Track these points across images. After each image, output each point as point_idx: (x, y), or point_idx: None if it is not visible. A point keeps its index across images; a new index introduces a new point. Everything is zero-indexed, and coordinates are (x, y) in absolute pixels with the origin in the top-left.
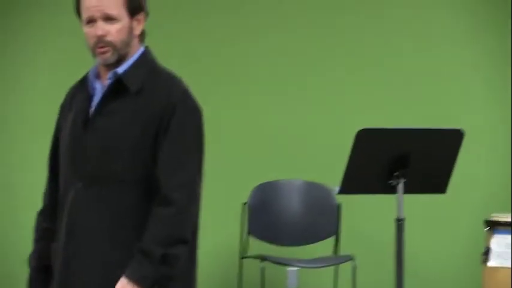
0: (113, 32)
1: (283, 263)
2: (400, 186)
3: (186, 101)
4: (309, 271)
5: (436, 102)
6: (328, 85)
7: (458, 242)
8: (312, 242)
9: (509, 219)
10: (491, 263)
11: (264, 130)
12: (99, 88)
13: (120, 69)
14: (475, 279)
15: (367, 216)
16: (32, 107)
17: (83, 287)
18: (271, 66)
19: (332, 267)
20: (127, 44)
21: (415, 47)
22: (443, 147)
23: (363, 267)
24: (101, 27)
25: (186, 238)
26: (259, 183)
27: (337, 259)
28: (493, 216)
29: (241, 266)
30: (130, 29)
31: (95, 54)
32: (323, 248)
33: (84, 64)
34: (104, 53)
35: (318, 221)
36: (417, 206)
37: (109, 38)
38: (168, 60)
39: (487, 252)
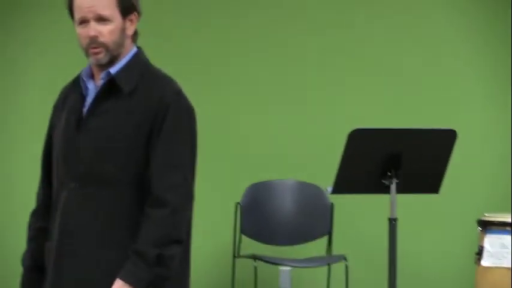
0: (106, 32)
1: (276, 262)
2: (393, 186)
3: (179, 102)
4: (302, 271)
5: (432, 101)
6: (322, 85)
7: (451, 242)
8: (305, 242)
9: (502, 219)
10: (484, 262)
11: (257, 130)
12: (92, 88)
13: (113, 70)
14: (468, 279)
15: (359, 216)
16: (31, 107)
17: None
18: (266, 67)
19: (325, 267)
20: (120, 44)
21: (412, 47)
22: (436, 148)
23: (356, 267)
24: (94, 28)
25: (181, 238)
26: (252, 183)
27: (330, 259)
28: (485, 216)
29: (234, 266)
30: (123, 30)
31: (87, 54)
32: (316, 247)
33: (84, 65)
34: (96, 53)
35: (310, 220)
36: (410, 206)
37: (102, 39)
38: (162, 59)
39: (480, 252)
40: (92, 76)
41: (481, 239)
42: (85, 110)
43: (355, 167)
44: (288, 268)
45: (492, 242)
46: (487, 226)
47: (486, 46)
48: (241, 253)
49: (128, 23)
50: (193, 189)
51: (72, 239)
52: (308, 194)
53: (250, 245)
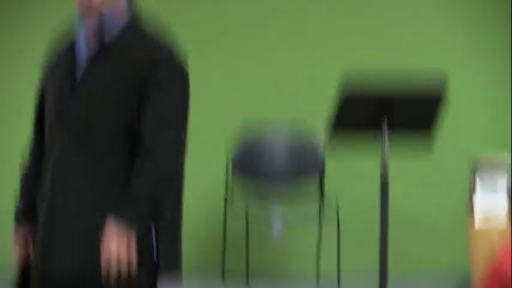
0: None
1: (267, 203)
2: (384, 130)
3: (172, 59)
4: (294, 211)
5: (423, 39)
6: (314, 30)
7: (444, 184)
8: (297, 182)
9: (494, 161)
10: (477, 222)
11: (249, 73)
12: (83, 37)
13: (107, 30)
14: (461, 220)
15: (351, 157)
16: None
17: (69, 240)
18: (257, 16)
19: (316, 207)
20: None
21: None
22: (427, 89)
23: (347, 207)
24: None
25: (172, 186)
26: (244, 125)
27: (321, 199)
28: (477, 158)
29: (226, 206)
30: None
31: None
32: (308, 188)
33: None
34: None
35: (302, 162)
36: (402, 150)
37: (94, 5)
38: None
39: (472, 193)
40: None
41: (473, 180)
42: (78, 67)
43: (348, 113)
44: (279, 208)
45: (484, 183)
46: (478, 167)
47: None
48: (233, 194)
49: None
50: (186, 143)
51: (64, 192)
52: (300, 135)
53: (242, 187)
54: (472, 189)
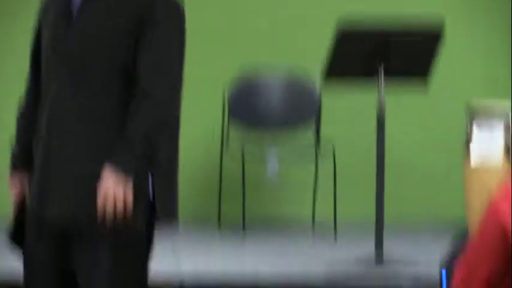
0: None
1: (263, 148)
2: (381, 74)
3: None
4: (290, 157)
5: None
6: None
7: (440, 128)
8: (293, 128)
9: (491, 106)
10: (473, 159)
11: (246, 15)
12: None
13: None
14: (457, 166)
15: (348, 103)
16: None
17: (65, 180)
18: None
19: (312, 153)
20: None
21: None
22: (424, 34)
23: (344, 152)
24: None
25: (168, 128)
26: (241, 67)
27: (317, 145)
28: (473, 103)
29: (222, 151)
30: None
31: None
32: (304, 134)
33: None
34: None
35: (299, 107)
36: (399, 94)
37: None
38: None
39: (468, 139)
40: None
41: (469, 126)
42: (73, 5)
43: (344, 55)
44: (275, 154)
45: (481, 129)
46: (474, 113)
47: None
48: (230, 138)
49: None
50: (182, 81)
51: (60, 136)
52: (297, 80)
53: (238, 133)
54: (468, 135)
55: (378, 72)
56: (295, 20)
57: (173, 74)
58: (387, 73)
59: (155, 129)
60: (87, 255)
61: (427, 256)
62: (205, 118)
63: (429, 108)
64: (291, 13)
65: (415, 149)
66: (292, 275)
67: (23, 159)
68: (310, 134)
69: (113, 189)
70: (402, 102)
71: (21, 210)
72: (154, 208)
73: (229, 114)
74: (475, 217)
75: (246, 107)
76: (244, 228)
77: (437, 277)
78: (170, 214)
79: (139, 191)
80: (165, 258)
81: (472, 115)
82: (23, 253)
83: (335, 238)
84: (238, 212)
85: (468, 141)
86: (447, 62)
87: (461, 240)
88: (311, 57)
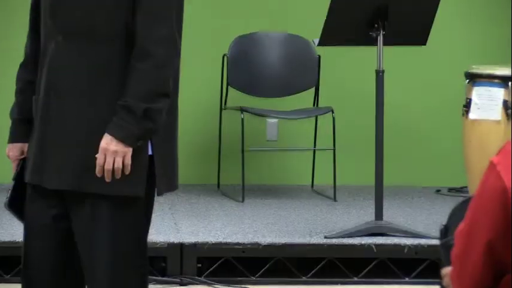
0: None
1: (263, 114)
2: (380, 38)
3: None
4: (289, 122)
5: None
6: None
7: (439, 95)
8: (292, 94)
9: (490, 71)
10: (472, 115)
11: None
12: None
13: None
14: (456, 131)
15: (347, 68)
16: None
17: (63, 143)
18: None
19: (312, 119)
20: None
21: None
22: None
23: (343, 119)
24: None
25: (168, 91)
26: (239, 34)
27: (317, 111)
28: (473, 68)
29: (221, 118)
30: None
31: None
32: (303, 100)
33: None
34: None
35: (297, 72)
36: (397, 59)
37: None
38: None
39: (468, 105)
40: None
41: (469, 92)
42: None
43: (342, 19)
44: (275, 120)
45: (480, 95)
46: (474, 78)
47: None
48: (229, 105)
49: None
50: (180, 41)
51: (59, 93)
52: (295, 46)
53: (237, 98)
54: (467, 96)
55: (377, 36)
56: None
57: (171, 31)
58: (386, 36)
59: (154, 100)
60: (86, 220)
61: (426, 220)
62: (204, 83)
63: (429, 73)
64: None
65: (414, 113)
66: (291, 235)
67: (22, 125)
68: (309, 99)
69: (112, 158)
70: (402, 66)
71: (20, 177)
72: (154, 173)
73: (228, 79)
74: (473, 172)
75: (245, 72)
76: (243, 192)
77: (438, 240)
78: (170, 178)
79: (138, 156)
80: (164, 222)
81: (471, 80)
82: (24, 219)
83: (334, 201)
84: (237, 176)
85: (467, 99)
86: (447, 28)
87: (462, 203)
88: (310, 22)
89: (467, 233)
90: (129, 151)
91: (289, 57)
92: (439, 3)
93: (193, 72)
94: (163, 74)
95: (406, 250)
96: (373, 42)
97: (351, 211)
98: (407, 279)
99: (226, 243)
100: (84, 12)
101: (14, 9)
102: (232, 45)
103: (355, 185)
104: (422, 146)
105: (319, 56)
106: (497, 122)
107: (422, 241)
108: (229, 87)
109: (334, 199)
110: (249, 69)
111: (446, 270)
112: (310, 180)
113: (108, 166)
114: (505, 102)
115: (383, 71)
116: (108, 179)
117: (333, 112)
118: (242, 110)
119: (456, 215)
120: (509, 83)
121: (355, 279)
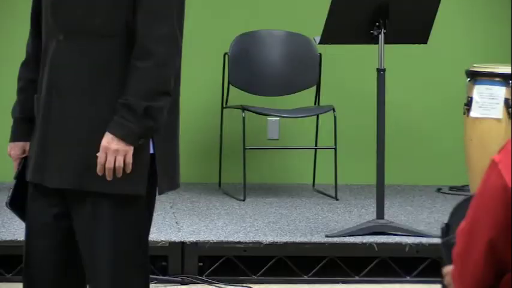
0: None
1: (264, 113)
2: (381, 36)
3: None
4: (290, 121)
5: None
6: None
7: (440, 93)
8: (293, 92)
9: (491, 70)
10: (473, 113)
11: None
12: None
13: None
14: (458, 130)
15: (348, 66)
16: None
17: (65, 142)
18: None
19: (313, 117)
20: None
21: None
22: None
23: (344, 118)
24: None
25: (169, 90)
26: (240, 33)
27: (318, 109)
28: (474, 67)
29: (222, 116)
30: None
31: None
32: (304, 98)
33: None
34: None
35: (298, 71)
36: (399, 57)
37: None
38: None
39: (469, 103)
40: None
41: (470, 90)
42: None
43: (343, 17)
44: (276, 118)
45: (481, 93)
46: (475, 77)
47: None
48: (230, 104)
49: None
50: (181, 40)
51: (60, 92)
52: (296, 44)
53: (238, 96)
54: (469, 95)
55: (378, 34)
56: None
57: (171, 29)
58: (387, 35)
59: (155, 98)
60: (87, 219)
61: (428, 219)
62: (205, 82)
63: (430, 71)
64: None
65: (416, 111)
66: (292, 234)
67: (23, 124)
68: (311, 97)
69: (113, 157)
70: (403, 65)
71: (22, 176)
72: (156, 171)
73: (229, 77)
74: (474, 170)
75: (247, 70)
76: (244, 190)
77: (439, 238)
78: (171, 176)
79: (139, 154)
80: (165, 220)
81: (472, 79)
82: (25, 218)
83: (336, 200)
84: (239, 175)
85: (469, 98)
86: (448, 26)
87: (463, 202)
88: (311, 20)
89: (468, 232)
90: (130, 150)
91: (290, 56)
92: (440, 1)
93: (195, 71)
94: (164, 72)
95: (407, 249)
96: (374, 40)
97: (352, 210)
98: (408, 278)
99: (227, 242)
100: (85, 11)
101: (15, 8)
102: (233, 44)
103: (357, 183)
104: (424, 144)
105: (320, 55)
106: (499, 120)
107: (424, 240)
108: (230, 85)
109: (336, 198)
110: (250, 68)
111: (447, 269)
112: (312, 179)
113: (109, 165)
114: (506, 101)
115: (384, 70)
116: (109, 177)
117: (334, 111)
118: (243, 108)
119: (457, 213)
120: (511, 82)
121: (357, 278)
